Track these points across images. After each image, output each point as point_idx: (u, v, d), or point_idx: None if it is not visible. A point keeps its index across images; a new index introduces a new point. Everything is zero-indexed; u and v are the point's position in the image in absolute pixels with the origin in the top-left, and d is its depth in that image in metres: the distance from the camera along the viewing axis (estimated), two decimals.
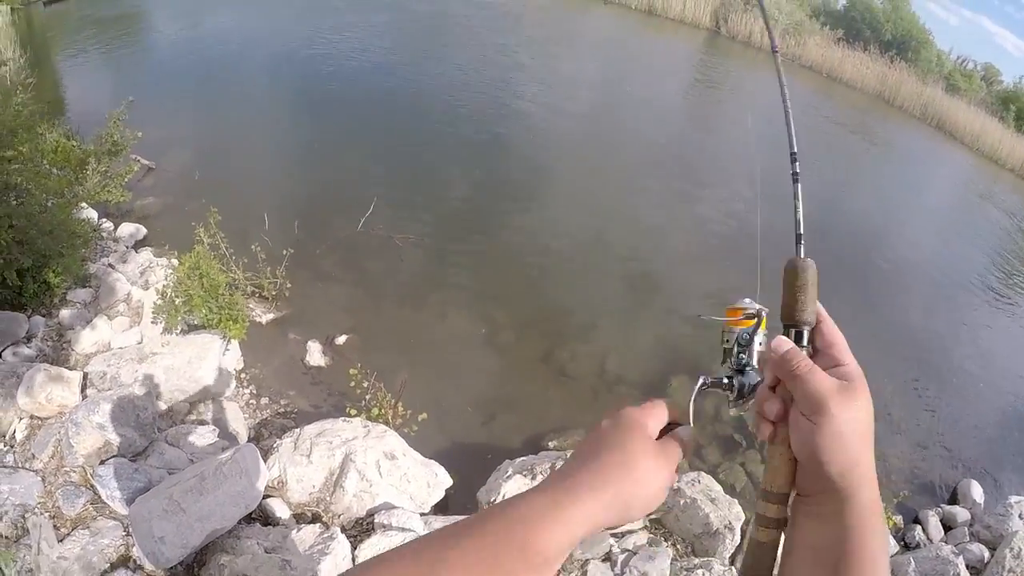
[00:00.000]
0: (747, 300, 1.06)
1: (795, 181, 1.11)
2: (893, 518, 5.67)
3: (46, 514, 3.53)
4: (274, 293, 6.14)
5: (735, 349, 1.03)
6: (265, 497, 3.93)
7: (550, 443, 5.56)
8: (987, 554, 5.39)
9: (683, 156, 13.80)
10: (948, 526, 5.98)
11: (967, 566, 5.04)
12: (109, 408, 3.90)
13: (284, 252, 6.13)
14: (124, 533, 3.49)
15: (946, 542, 5.64)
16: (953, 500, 6.50)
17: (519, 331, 6.83)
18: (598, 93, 16.67)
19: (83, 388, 4.38)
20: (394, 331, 6.39)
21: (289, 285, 6.16)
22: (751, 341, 1.01)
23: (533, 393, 6.18)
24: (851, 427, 0.83)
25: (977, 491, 6.49)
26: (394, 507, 4.11)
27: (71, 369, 4.44)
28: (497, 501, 4.43)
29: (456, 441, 5.37)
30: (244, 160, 8.58)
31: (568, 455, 4.63)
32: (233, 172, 8.18)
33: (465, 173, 9.95)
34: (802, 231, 1.06)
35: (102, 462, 3.78)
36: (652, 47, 24.72)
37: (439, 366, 6.08)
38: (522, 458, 4.89)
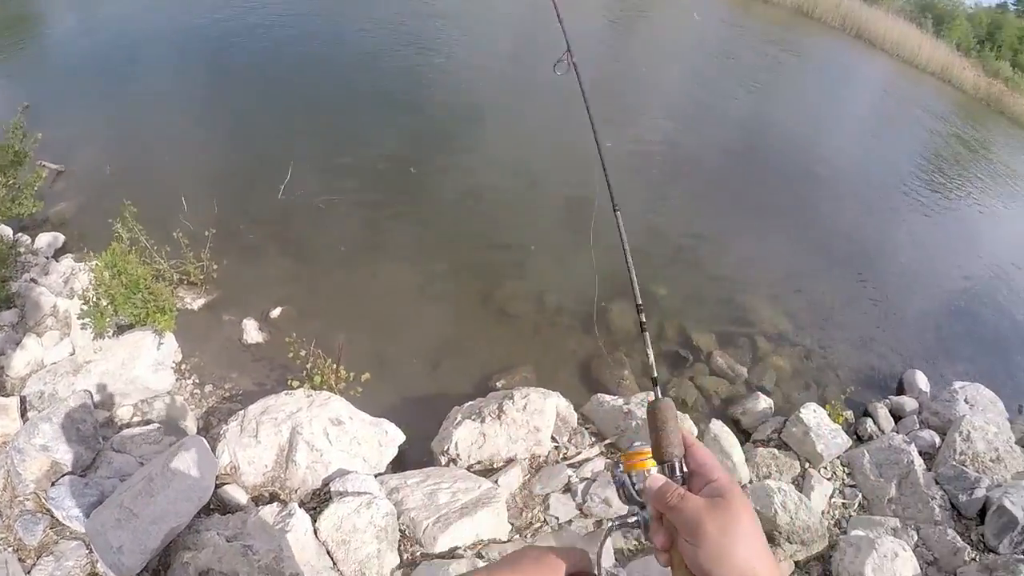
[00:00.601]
0: (637, 443, 1.14)
1: (643, 329, 1.28)
2: (844, 413, 5.92)
3: (9, 549, 3.57)
4: (202, 277, 6.07)
5: (635, 488, 1.12)
6: (220, 485, 4.00)
7: (498, 383, 5.68)
8: (938, 439, 5.66)
9: (606, 85, 13.66)
10: (897, 416, 6.27)
11: (920, 452, 5.29)
12: (48, 428, 3.91)
13: (206, 233, 6.05)
14: (87, 551, 3.55)
15: (897, 431, 5.92)
16: (900, 391, 6.82)
17: (455, 277, 6.88)
18: (516, 34, 16.35)
19: (23, 412, 4.38)
20: (328, 295, 6.39)
21: (215, 266, 6.08)
22: (630, 481, 1.12)
23: (476, 336, 6.27)
24: (732, 539, 0.88)
25: (922, 380, 6.82)
26: (348, 472, 4.20)
27: (7, 395, 4.43)
28: (449, 449, 4.56)
29: (404, 396, 5.45)
30: (154, 146, 8.29)
31: (513, 395, 4.75)
32: (144, 161, 7.91)
33: (383, 127, 9.77)
34: (656, 375, 1.23)
35: (53, 483, 3.80)
36: None
37: (378, 323, 6.11)
38: (469, 402, 5.01)
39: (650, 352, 1.21)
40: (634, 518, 1.10)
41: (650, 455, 1.08)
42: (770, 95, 16.06)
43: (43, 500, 3.75)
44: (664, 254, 8.11)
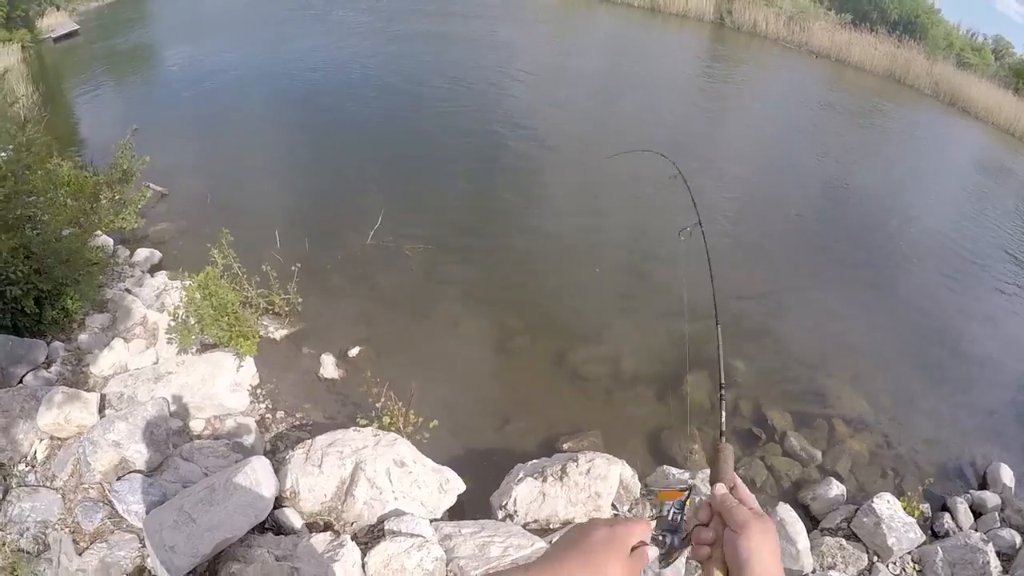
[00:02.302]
0: (667, 485, 1.57)
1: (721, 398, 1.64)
2: (920, 506, 5.54)
3: (66, 529, 3.66)
4: (287, 309, 6.25)
5: (669, 515, 1.32)
6: (277, 507, 4.00)
7: (564, 445, 5.58)
8: (1018, 539, 5.30)
9: (690, 148, 13.70)
10: (978, 512, 5.83)
11: (997, 553, 4.96)
12: (124, 427, 4.03)
13: (294, 268, 6.25)
14: (140, 545, 3.60)
15: (976, 529, 5.52)
16: (983, 485, 6.33)
17: (532, 334, 6.86)
18: (602, 91, 16.64)
19: (101, 408, 4.52)
20: (406, 340, 6.46)
21: (300, 300, 6.27)
22: (683, 508, 1.32)
23: (547, 396, 6.20)
24: (764, 540, 1.17)
25: (1007, 474, 6.32)
26: (404, 513, 4.16)
27: (89, 391, 4.57)
28: (507, 504, 4.49)
29: (469, 447, 5.41)
30: (253, 181, 8.73)
31: (578, 458, 4.66)
32: (243, 194, 8.31)
33: (469, 178, 10.05)
34: (724, 428, 1.54)
35: (119, 478, 3.89)
36: (657, 42, 24.85)
37: (452, 373, 6.13)
38: (533, 461, 4.92)
39: (724, 413, 1.60)
40: (662, 537, 1.29)
41: (680, 492, 1.32)
42: (860, 164, 15.57)
43: (107, 491, 3.84)
44: (743, 327, 7.87)
